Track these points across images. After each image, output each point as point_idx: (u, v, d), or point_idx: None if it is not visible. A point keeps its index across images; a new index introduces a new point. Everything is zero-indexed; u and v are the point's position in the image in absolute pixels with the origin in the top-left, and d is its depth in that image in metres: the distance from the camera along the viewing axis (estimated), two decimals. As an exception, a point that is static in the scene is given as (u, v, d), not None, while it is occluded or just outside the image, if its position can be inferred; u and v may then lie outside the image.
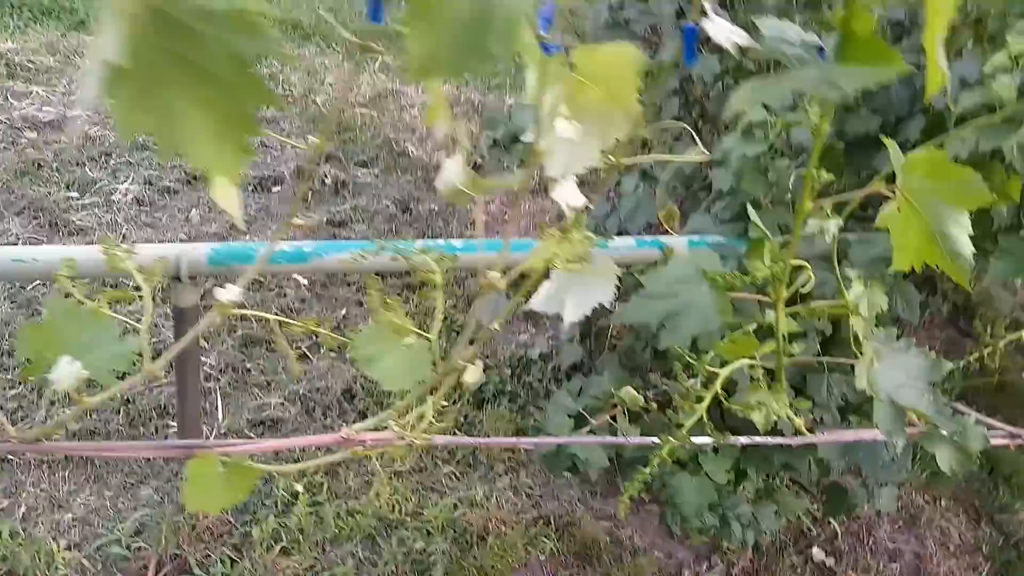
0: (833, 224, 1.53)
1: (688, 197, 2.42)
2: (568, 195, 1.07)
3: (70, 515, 2.07)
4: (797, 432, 1.31)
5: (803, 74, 0.68)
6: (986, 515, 2.50)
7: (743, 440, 1.33)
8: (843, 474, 2.00)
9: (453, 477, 2.29)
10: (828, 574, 2.22)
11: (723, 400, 1.28)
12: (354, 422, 2.33)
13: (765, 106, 1.95)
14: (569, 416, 1.82)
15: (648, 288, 1.27)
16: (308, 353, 2.63)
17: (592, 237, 1.01)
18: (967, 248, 0.99)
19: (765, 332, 1.30)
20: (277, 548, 2.04)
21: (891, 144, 1.04)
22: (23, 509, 2.07)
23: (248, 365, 2.54)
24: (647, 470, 1.24)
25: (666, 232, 2.37)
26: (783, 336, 1.11)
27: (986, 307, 2.34)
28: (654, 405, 1.50)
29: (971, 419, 1.36)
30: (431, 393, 1.12)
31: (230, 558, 2.00)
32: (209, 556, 2.00)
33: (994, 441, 1.39)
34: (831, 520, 2.30)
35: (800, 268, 1.25)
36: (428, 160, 3.63)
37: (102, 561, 1.99)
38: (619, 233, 2.16)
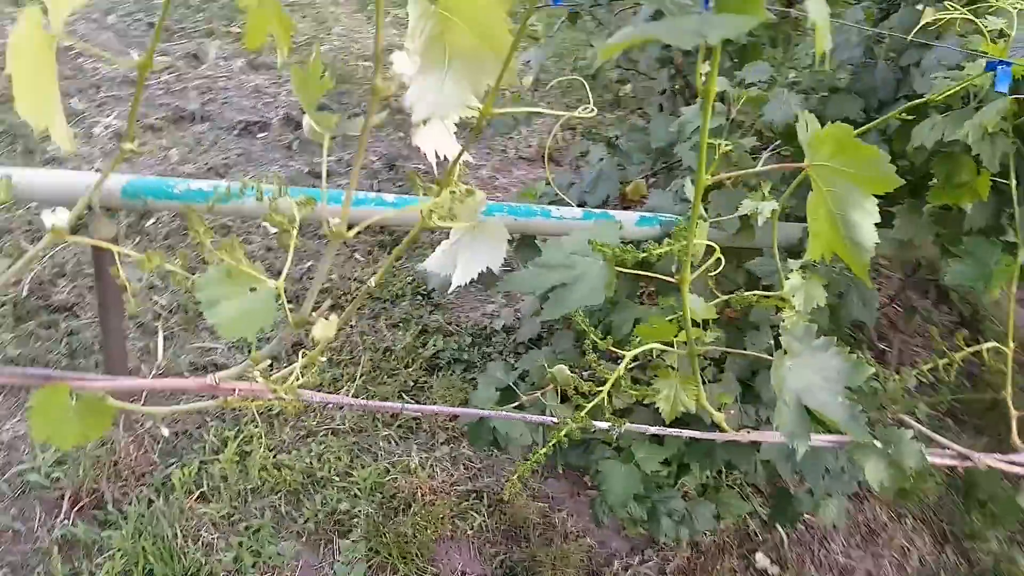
0: (768, 206, 1.41)
1: (662, 172, 2.30)
2: (435, 142, 0.98)
3: (-5, 439, 2.04)
4: (719, 428, 1.21)
5: (671, 22, 0.59)
6: (954, 540, 2.37)
7: (652, 430, 1.24)
8: (801, 480, 1.89)
9: (391, 440, 2.22)
10: (769, 582, 2.11)
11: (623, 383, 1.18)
12: (300, 377, 2.27)
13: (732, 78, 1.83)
14: (498, 390, 1.74)
15: (544, 257, 1.17)
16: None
17: (477, 194, 0.92)
18: (869, 237, 0.88)
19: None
20: (197, 493, 1.99)
21: (806, 116, 0.93)
22: (-52, 428, 2.05)
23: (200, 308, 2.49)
24: (542, 450, 1.15)
25: (628, 207, 2.26)
26: (690, 322, 1.01)
27: (989, 321, 2.20)
28: (587, 386, 1.41)
29: (907, 434, 1.25)
30: (297, 347, 1.04)
31: (148, 499, 1.96)
32: (127, 494, 1.96)
33: (945, 462, 1.28)
34: (779, 526, 2.19)
35: (711, 249, 1.15)
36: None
37: (20, 488, 1.96)
38: (580, 205, 2.05)
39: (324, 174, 0.90)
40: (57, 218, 0.83)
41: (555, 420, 1.16)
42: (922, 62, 1.63)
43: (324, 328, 0.98)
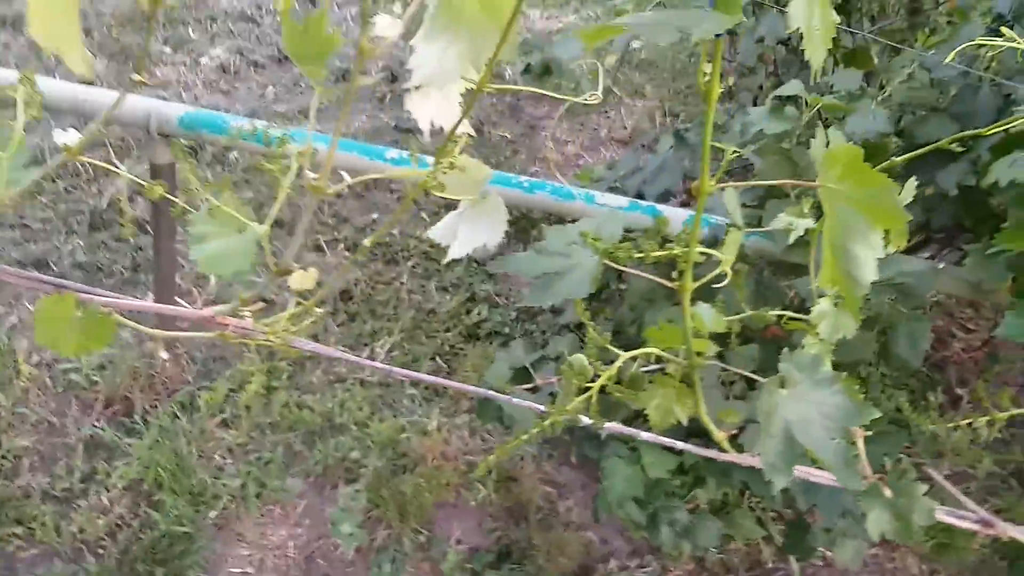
0: (803, 223, 1.31)
1: (738, 173, 2.19)
2: (428, 111, 0.95)
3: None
4: (720, 447, 1.15)
5: (655, 16, 0.55)
6: (992, 609, 2.19)
7: (645, 436, 1.18)
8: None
9: (414, 400, 2.23)
10: (772, 613, 2.02)
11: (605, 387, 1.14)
12: (340, 325, 2.31)
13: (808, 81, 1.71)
14: (512, 368, 1.71)
15: (545, 242, 1.13)
16: (324, 246, 2.62)
17: (481, 168, 0.91)
18: (867, 273, 0.80)
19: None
20: (219, 418, 2.06)
21: (825, 131, 0.85)
22: (13, 320, 2.20)
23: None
24: (522, 437, 1.12)
25: (687, 204, 2.16)
26: (690, 332, 0.95)
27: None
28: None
29: (919, 488, 1.16)
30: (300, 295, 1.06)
31: (174, 414, 2.05)
32: (156, 407, 2.06)
33: (963, 524, 1.17)
34: (795, 558, 2.08)
35: (707, 257, 1.07)
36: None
37: (63, 384, 2.09)
38: (638, 195, 1.98)
39: (312, 115, 0.89)
40: (68, 138, 0.86)
41: (543, 409, 1.12)
42: (1021, 92, 1.48)
43: (301, 279, 0.98)
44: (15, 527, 1.78)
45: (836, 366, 1.65)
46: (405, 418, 2.16)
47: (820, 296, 1.21)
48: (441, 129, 0.89)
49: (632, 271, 1.04)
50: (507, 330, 2.46)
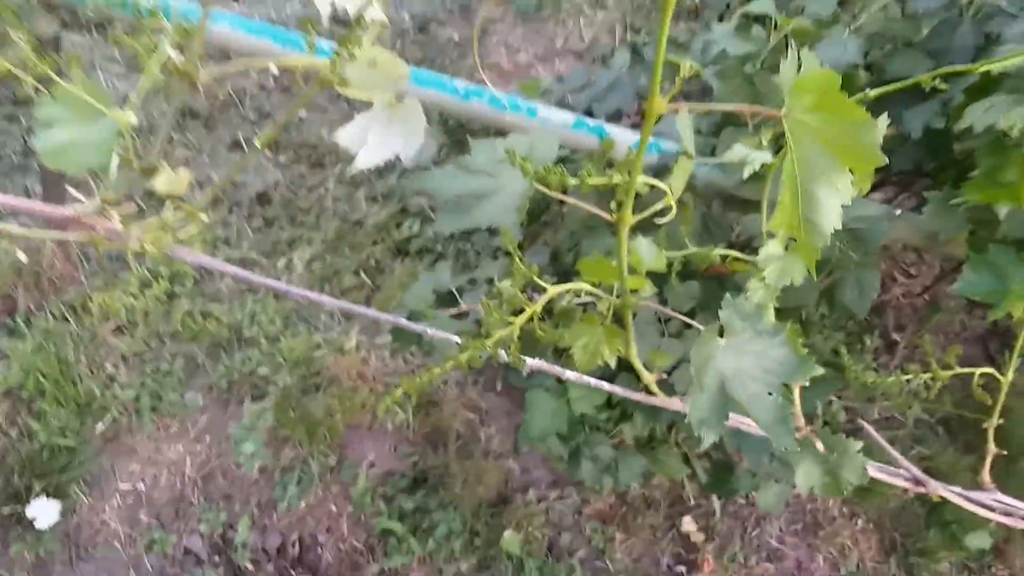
0: (760, 157, 1.18)
1: (695, 96, 2.05)
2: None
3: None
4: (647, 389, 1.04)
5: None
6: (902, 552, 2.21)
7: (571, 375, 1.06)
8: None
9: (334, 316, 2.08)
10: (688, 547, 1.98)
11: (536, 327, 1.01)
12: (257, 231, 2.12)
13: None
14: (436, 292, 1.57)
15: (470, 158, 0.98)
16: (243, 143, 2.40)
17: (397, 64, 0.76)
18: (829, 219, 0.67)
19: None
20: (112, 323, 1.89)
21: (797, 52, 0.71)
22: None
23: (175, 136, 2.33)
24: (420, 379, 0.99)
25: (638, 125, 2.01)
26: (625, 268, 0.82)
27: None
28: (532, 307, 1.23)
29: (854, 446, 1.07)
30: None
31: (63, 316, 1.86)
32: (42, 307, 1.86)
33: (895, 482, 1.10)
34: (716, 496, 2.04)
35: (654, 189, 0.94)
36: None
37: (-65, 276, 1.87)
38: (587, 112, 1.82)
39: None
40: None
41: (459, 341, 0.98)
42: (1005, 32, 1.35)
43: (169, 181, 0.82)
44: None
45: (777, 310, 1.55)
46: (321, 334, 2.02)
47: (770, 237, 1.10)
48: (345, 11, 0.73)
49: (566, 198, 0.90)
50: (439, 248, 2.31)
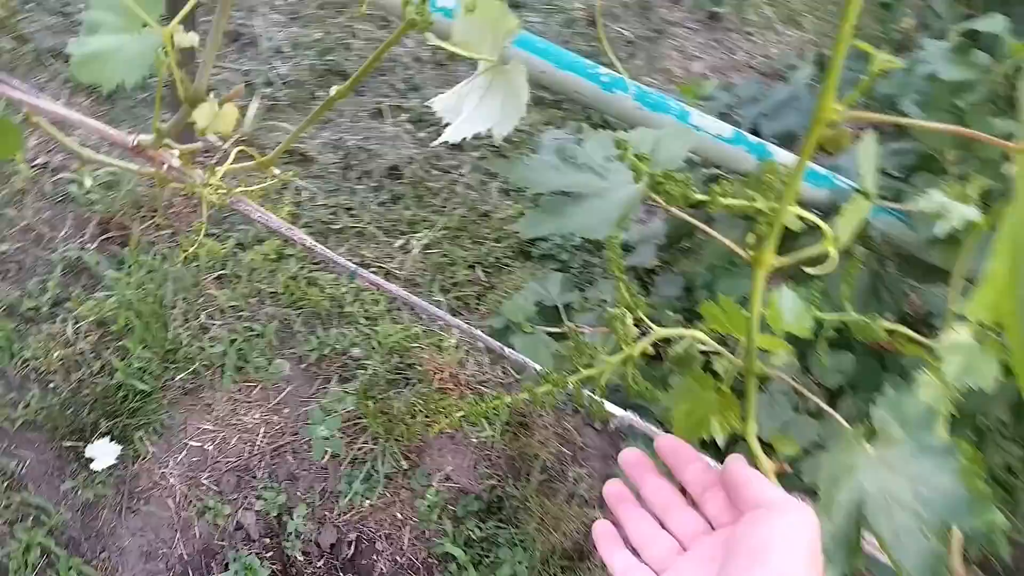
0: (962, 212, 0.91)
1: (890, 129, 1.74)
2: None
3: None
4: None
5: None
6: None
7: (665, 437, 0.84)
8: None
9: (439, 307, 1.93)
10: None
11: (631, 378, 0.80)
12: (381, 204, 2.01)
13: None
14: (540, 305, 1.38)
15: (579, 149, 0.76)
16: (385, 112, 2.29)
17: (505, 15, 0.60)
18: None
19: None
20: (216, 273, 1.82)
21: None
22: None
23: (319, 93, 2.26)
24: (504, 400, 0.81)
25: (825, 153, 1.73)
26: (756, 323, 0.60)
27: None
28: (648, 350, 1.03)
29: None
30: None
31: (171, 256, 1.81)
32: (153, 244, 1.82)
33: None
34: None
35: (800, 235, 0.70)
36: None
37: (60, 195, 1.87)
38: (753, 131, 1.56)
39: None
40: None
41: (537, 369, 0.78)
42: None
43: (209, 114, 0.69)
44: (-35, 322, 1.60)
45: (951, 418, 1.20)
46: (422, 326, 1.87)
47: (957, 319, 0.83)
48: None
49: (696, 222, 0.67)
50: (565, 257, 2.11)
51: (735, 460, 0.47)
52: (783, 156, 1.26)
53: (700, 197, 0.59)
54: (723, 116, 1.66)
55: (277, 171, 0.88)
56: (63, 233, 1.80)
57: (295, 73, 2.26)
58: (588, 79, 1.22)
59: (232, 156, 0.80)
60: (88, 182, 1.77)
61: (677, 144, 0.64)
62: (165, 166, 0.79)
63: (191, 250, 1.63)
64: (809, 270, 0.66)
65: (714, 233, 0.66)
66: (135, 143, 0.78)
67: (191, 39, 0.65)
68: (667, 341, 1.13)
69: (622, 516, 0.50)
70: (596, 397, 0.67)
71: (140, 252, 1.78)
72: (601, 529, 0.50)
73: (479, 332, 0.86)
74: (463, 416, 0.74)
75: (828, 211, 1.23)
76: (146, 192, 1.85)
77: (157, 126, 0.74)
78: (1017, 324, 0.41)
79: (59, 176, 1.88)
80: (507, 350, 0.81)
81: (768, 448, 1.18)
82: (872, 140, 1.09)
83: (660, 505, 0.50)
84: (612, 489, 0.52)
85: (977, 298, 0.46)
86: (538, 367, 0.77)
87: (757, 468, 0.53)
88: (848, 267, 0.99)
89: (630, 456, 0.54)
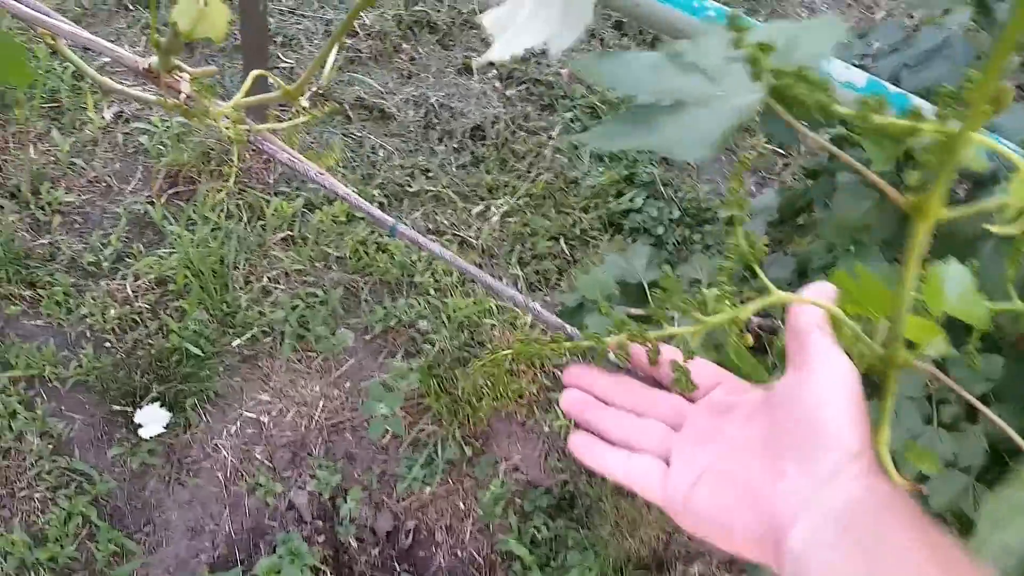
0: None
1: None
2: None
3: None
4: None
5: None
6: None
7: None
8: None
9: (516, 284, 1.77)
10: None
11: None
12: (462, 167, 1.86)
13: None
14: (622, 283, 1.18)
15: (691, 46, 0.57)
16: (472, 70, 2.12)
17: None
18: None
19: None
20: (283, 234, 1.71)
21: None
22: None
23: (405, 45, 2.12)
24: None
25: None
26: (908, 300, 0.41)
27: None
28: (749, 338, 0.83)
29: None
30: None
31: (237, 216, 1.71)
32: (220, 202, 1.72)
33: None
34: None
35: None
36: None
37: (132, 146, 1.80)
38: (892, 79, 1.30)
39: None
40: None
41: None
42: None
43: (189, 11, 0.55)
44: (25, 289, 1.55)
45: None
46: (497, 301, 1.71)
47: None
48: None
49: (832, 148, 0.47)
50: (660, 231, 1.90)
51: (805, 310, 0.43)
52: (928, 109, 1.01)
53: (843, 110, 0.39)
54: (860, 65, 1.41)
55: (306, 103, 0.73)
56: (131, 186, 1.73)
57: (380, 23, 2.12)
58: (691, 13, 1.01)
59: (248, 84, 0.66)
60: (106, 110, 1.69)
61: (821, 39, 0.44)
62: (183, 95, 0.66)
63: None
64: (995, 229, 0.44)
65: (855, 164, 0.45)
66: (148, 66, 0.65)
67: None
68: (774, 332, 0.91)
69: (593, 420, 0.46)
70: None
71: (206, 208, 1.69)
72: (578, 441, 0.46)
73: (536, 306, 0.69)
74: (519, 356, 0.59)
75: (984, 181, 0.99)
76: (215, 145, 1.75)
77: (155, 39, 0.61)
78: None
79: (133, 126, 1.81)
80: (573, 332, 0.64)
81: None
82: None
83: (627, 399, 0.47)
84: (571, 397, 0.47)
85: None
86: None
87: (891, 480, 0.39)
88: (1016, 242, 0.75)
89: (572, 371, 0.48)
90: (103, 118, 1.79)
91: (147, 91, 0.69)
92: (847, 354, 0.44)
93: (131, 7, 1.99)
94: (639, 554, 1.48)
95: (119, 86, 0.70)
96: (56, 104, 1.81)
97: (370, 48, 2.08)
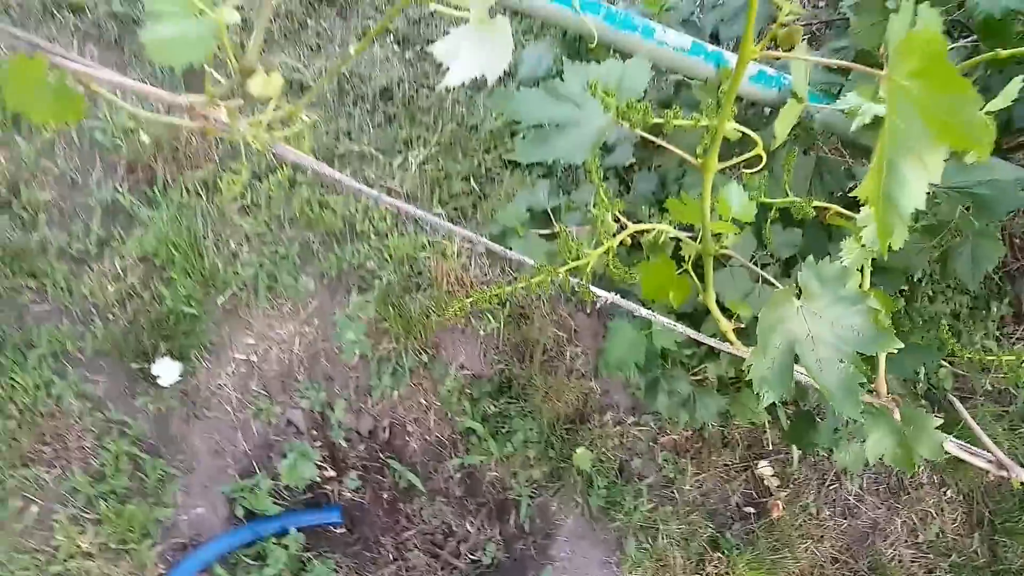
0: (874, 110, 1.10)
1: (840, 25, 1.90)
2: None
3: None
4: (723, 336, 1.04)
5: None
6: (988, 528, 2.15)
7: (644, 313, 1.07)
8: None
9: (441, 219, 2.14)
10: (761, 491, 2.00)
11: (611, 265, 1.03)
12: (377, 126, 2.18)
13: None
14: (531, 210, 1.59)
15: (560, 83, 0.96)
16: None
17: None
18: (910, 200, 0.62)
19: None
20: (239, 204, 2.01)
21: (913, 5, 0.65)
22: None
23: (309, 21, 2.38)
24: (507, 288, 1.04)
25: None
26: (708, 214, 0.82)
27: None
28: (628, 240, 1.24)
29: (932, 422, 1.04)
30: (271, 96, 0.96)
31: (196, 192, 2.00)
32: (177, 182, 2.01)
33: (976, 462, 1.07)
34: (796, 447, 2.03)
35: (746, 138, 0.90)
36: None
37: (88, 142, 2.04)
38: (713, 36, 1.72)
39: None
40: None
41: (534, 264, 1.01)
42: None
43: (263, 84, 0.86)
44: (29, 279, 1.81)
45: (882, 269, 1.47)
46: (427, 236, 2.09)
47: None
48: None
49: (652, 138, 0.88)
50: (550, 162, 2.29)
51: None
52: (736, 62, 1.44)
53: (657, 120, 0.80)
54: (686, 23, 1.83)
55: (306, 117, 1.07)
56: (95, 178, 1.98)
57: (285, 3, 2.37)
58: (561, 3, 1.39)
59: (271, 107, 0.99)
60: (146, 138, 1.93)
61: (639, 76, 0.84)
62: (212, 120, 0.98)
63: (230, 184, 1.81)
64: (745, 171, 0.88)
65: (668, 145, 0.87)
66: (189, 104, 0.97)
67: (235, 17, 0.82)
68: (644, 233, 1.35)
69: None
70: (583, 283, 0.90)
71: (167, 190, 1.97)
72: None
73: (483, 239, 1.07)
74: (473, 304, 0.98)
75: (778, 108, 1.43)
76: (164, 134, 2.01)
77: (210, 89, 0.93)
78: (882, 204, 0.63)
79: (85, 124, 2.04)
80: (507, 252, 1.03)
81: (729, 312, 1.42)
82: (803, 49, 1.30)
83: None
84: None
85: (862, 184, 0.67)
86: (533, 263, 1.00)
87: (717, 327, 0.76)
88: (787, 158, 1.20)
89: None
90: (56, 121, 2.01)
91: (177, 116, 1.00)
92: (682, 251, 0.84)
93: (55, 13, 2.17)
94: (565, 412, 1.94)
95: (161, 117, 1.02)
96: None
97: (280, 28, 2.34)
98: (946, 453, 1.00)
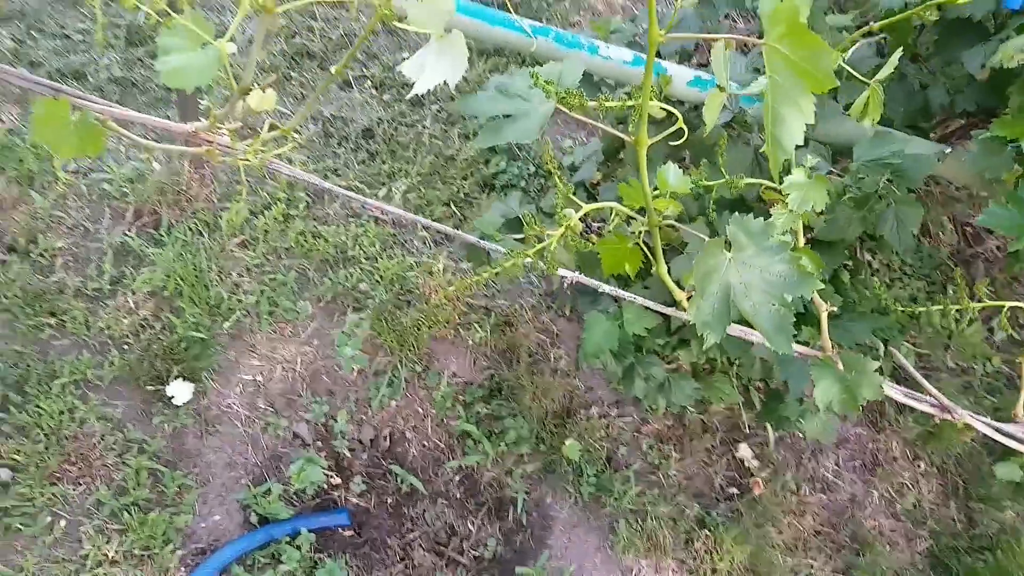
0: (763, 82, 1.29)
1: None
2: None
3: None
4: (677, 305, 1.19)
5: None
6: (963, 496, 2.27)
7: (605, 289, 1.24)
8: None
9: (425, 242, 2.31)
10: (742, 472, 2.13)
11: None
12: (361, 163, 2.36)
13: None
14: (505, 217, 1.76)
15: (509, 82, 1.14)
16: (352, 83, 2.63)
17: (449, 3, 0.92)
18: (791, 137, 0.79)
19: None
20: (239, 239, 2.18)
21: None
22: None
23: (292, 74, 2.59)
24: (474, 278, 1.19)
25: (705, 65, 2.10)
26: (648, 190, 0.98)
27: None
28: (594, 239, 1.41)
29: (871, 364, 1.19)
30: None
31: (198, 231, 2.17)
32: (180, 223, 2.18)
33: (920, 406, 1.22)
34: (771, 427, 2.16)
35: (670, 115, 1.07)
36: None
37: (96, 193, 2.21)
38: (657, 53, 1.92)
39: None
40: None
41: (504, 253, 1.17)
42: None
43: (260, 99, 1.02)
44: (49, 318, 1.97)
45: (822, 243, 1.66)
46: (414, 258, 2.25)
47: (796, 166, 1.21)
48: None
49: (590, 121, 1.05)
50: (523, 184, 2.49)
51: None
52: (674, 69, 1.64)
53: (591, 103, 0.97)
54: (632, 44, 2.03)
55: (297, 136, 1.24)
56: (104, 224, 2.15)
57: (269, 59, 2.58)
58: (515, 30, 1.59)
59: (266, 128, 1.15)
60: (157, 167, 2.11)
61: (574, 70, 1.01)
62: (214, 144, 1.14)
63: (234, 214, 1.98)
64: (672, 143, 1.05)
65: (604, 127, 1.04)
66: (193, 130, 1.13)
67: (232, 47, 0.99)
68: (603, 222, 1.50)
69: None
70: (549, 259, 1.06)
71: (172, 230, 2.14)
72: None
73: (470, 237, 1.24)
74: (456, 293, 1.14)
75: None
76: (167, 181, 2.19)
77: (214, 113, 1.09)
78: (772, 146, 0.79)
79: (91, 176, 2.22)
80: (481, 242, 1.20)
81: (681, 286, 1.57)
82: (721, 46, 1.49)
83: None
84: None
85: (766, 140, 0.84)
86: (504, 251, 1.15)
87: (670, 295, 0.91)
88: (720, 142, 1.38)
89: None
90: (67, 174, 2.19)
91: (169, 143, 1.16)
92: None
93: (59, 81, 2.37)
94: (553, 410, 2.08)
95: (162, 145, 1.19)
96: (24, 169, 2.19)
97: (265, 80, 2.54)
98: (887, 396, 1.14)
